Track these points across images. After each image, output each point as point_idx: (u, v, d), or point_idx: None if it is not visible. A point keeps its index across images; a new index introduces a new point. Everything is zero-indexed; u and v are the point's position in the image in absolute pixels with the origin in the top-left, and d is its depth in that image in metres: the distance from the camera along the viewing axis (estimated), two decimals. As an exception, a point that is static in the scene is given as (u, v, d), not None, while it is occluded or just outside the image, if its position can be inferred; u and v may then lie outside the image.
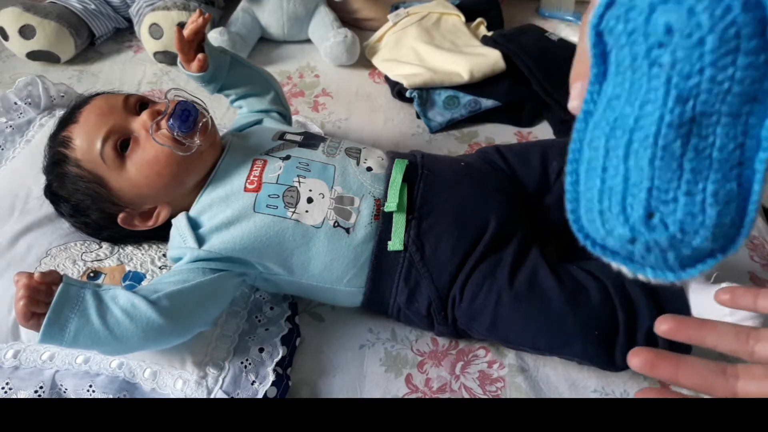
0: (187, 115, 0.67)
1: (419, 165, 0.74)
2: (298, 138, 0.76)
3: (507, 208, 0.71)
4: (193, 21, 0.75)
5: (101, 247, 0.77)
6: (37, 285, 0.56)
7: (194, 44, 0.77)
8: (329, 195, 0.69)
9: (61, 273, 0.59)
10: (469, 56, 1.06)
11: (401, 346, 0.72)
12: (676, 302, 0.63)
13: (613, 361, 0.63)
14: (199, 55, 0.77)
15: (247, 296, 0.73)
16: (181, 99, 0.69)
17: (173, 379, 0.64)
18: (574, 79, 0.33)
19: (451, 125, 1.06)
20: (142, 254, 0.77)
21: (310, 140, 0.76)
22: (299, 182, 0.69)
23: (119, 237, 0.76)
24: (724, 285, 0.62)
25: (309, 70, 1.19)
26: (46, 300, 0.56)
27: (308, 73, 1.19)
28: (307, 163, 0.71)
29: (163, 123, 0.67)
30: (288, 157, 0.72)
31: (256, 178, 0.69)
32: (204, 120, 0.69)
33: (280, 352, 0.67)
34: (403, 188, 0.70)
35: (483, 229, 0.68)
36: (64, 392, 0.64)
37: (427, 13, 1.19)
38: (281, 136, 0.76)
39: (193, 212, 0.69)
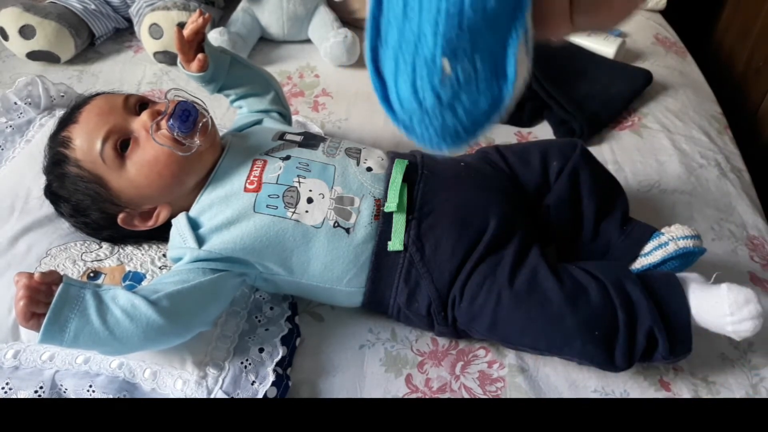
0: (187, 116, 0.67)
1: (419, 165, 0.73)
2: (298, 138, 0.76)
3: (507, 209, 0.71)
4: (193, 21, 0.75)
5: (101, 247, 0.77)
6: (37, 285, 0.56)
7: (194, 44, 0.77)
8: (329, 195, 0.69)
9: (61, 273, 0.59)
10: (469, 56, 1.06)
11: (401, 346, 0.72)
12: (676, 303, 0.63)
13: (613, 362, 0.63)
14: (199, 55, 0.77)
15: (247, 296, 0.73)
16: (181, 99, 0.69)
17: (173, 380, 0.64)
18: None
19: (451, 125, 1.05)
20: (142, 254, 0.77)
21: (310, 140, 0.76)
22: (299, 182, 0.69)
23: (119, 237, 0.76)
24: (723, 286, 0.62)
25: (309, 70, 1.19)
26: (46, 300, 0.56)
27: (308, 73, 1.18)
28: (307, 164, 0.71)
29: (163, 123, 0.67)
30: (288, 158, 0.72)
31: (256, 179, 0.69)
32: (204, 120, 0.69)
33: (280, 352, 0.67)
34: (403, 188, 0.70)
35: (483, 229, 0.68)
36: (64, 392, 0.64)
37: (428, 13, 1.19)
38: (281, 136, 0.76)
39: (193, 212, 0.69)
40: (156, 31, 1.13)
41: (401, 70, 0.36)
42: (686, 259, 0.69)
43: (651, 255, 0.70)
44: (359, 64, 1.19)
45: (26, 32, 1.12)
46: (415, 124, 0.37)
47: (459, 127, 0.37)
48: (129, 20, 1.25)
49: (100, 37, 1.24)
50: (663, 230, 0.71)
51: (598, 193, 0.74)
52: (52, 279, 0.58)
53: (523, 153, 0.78)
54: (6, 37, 1.13)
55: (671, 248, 0.68)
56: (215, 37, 1.13)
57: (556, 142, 0.84)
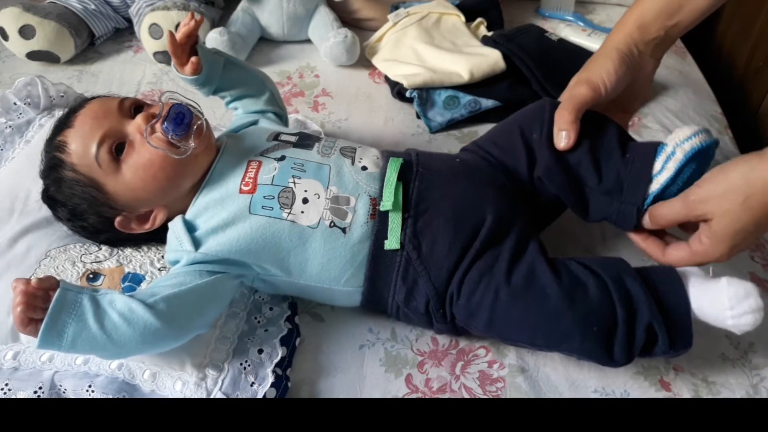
0: (182, 118, 0.67)
1: (414, 163, 0.73)
2: (292, 138, 0.76)
3: (503, 203, 0.70)
4: (185, 24, 0.75)
5: (100, 249, 0.77)
6: (34, 291, 0.56)
7: (187, 47, 0.77)
8: (325, 195, 0.69)
9: (60, 275, 0.60)
10: (469, 56, 1.06)
11: (401, 346, 0.72)
12: (676, 297, 0.62)
13: (612, 357, 0.62)
14: (192, 59, 0.77)
15: (246, 297, 0.73)
16: (175, 102, 0.69)
17: (172, 381, 0.64)
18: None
19: (451, 125, 1.05)
20: (142, 256, 0.77)
21: (304, 140, 0.75)
22: (294, 183, 0.69)
23: (117, 240, 0.76)
24: (723, 279, 0.61)
25: (309, 70, 1.19)
26: (43, 306, 0.56)
27: (308, 73, 1.18)
28: (302, 164, 0.71)
29: (158, 126, 0.67)
30: (283, 158, 0.71)
31: (251, 180, 0.69)
32: (198, 123, 0.69)
33: (280, 353, 0.67)
34: (399, 187, 0.69)
35: (479, 225, 0.68)
36: (64, 393, 0.64)
37: (427, 13, 1.19)
38: (276, 136, 0.76)
39: (189, 215, 0.69)
40: (156, 31, 1.13)
41: None
42: (701, 158, 0.65)
43: (664, 170, 0.66)
44: (359, 64, 1.19)
45: (26, 32, 1.12)
46: None
47: None
48: (129, 20, 1.25)
49: (100, 37, 1.24)
50: (666, 140, 0.67)
51: (582, 137, 0.69)
52: (49, 284, 0.58)
53: (504, 139, 0.76)
54: (6, 37, 1.13)
55: (680, 155, 0.64)
56: (215, 37, 1.13)
57: (528, 111, 0.78)
